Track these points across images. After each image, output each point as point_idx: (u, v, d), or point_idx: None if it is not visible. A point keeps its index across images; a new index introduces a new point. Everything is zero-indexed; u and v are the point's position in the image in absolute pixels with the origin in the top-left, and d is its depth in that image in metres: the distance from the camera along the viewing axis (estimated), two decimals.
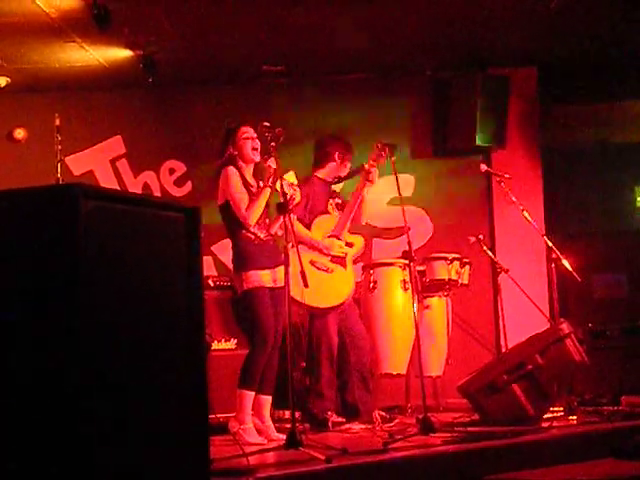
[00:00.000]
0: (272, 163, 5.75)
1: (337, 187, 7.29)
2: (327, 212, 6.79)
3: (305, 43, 8.25)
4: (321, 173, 6.90)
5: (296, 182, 5.99)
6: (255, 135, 5.96)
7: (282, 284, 5.85)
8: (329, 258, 6.66)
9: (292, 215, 6.34)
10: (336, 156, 6.89)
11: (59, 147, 6.95)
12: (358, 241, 6.84)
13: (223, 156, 6.02)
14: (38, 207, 3.20)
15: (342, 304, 6.64)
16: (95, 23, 6.93)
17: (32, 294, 3.14)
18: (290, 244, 5.51)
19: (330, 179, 6.94)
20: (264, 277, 5.92)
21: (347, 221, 6.76)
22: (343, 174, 6.97)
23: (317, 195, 6.78)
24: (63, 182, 6.79)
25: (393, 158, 6.34)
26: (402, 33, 8.13)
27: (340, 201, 6.93)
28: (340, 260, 6.69)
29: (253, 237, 5.94)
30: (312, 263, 6.58)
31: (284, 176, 5.78)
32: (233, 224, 5.97)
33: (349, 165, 6.94)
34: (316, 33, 8.00)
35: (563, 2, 5.87)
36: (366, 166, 6.64)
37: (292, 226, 5.57)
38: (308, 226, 6.68)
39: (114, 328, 3.23)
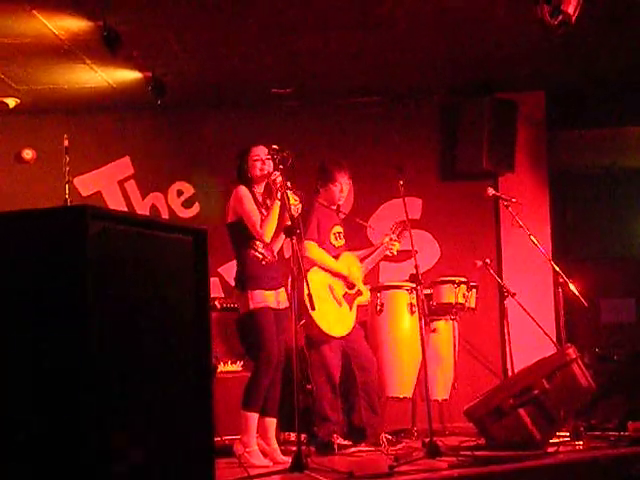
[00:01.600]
0: (278, 177, 5.76)
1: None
2: (330, 243, 6.79)
3: (314, 66, 8.28)
4: (320, 198, 6.89)
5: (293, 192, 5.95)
6: (266, 157, 5.97)
7: (283, 306, 5.94)
8: (343, 292, 6.71)
9: (309, 242, 6.42)
10: (318, 185, 6.89)
11: (67, 168, 6.96)
12: (366, 293, 7.00)
13: (238, 174, 6.07)
14: (46, 228, 3.21)
15: (338, 338, 6.65)
16: (105, 45, 6.96)
17: (38, 316, 3.14)
18: (298, 267, 5.53)
19: (328, 204, 6.90)
20: (269, 297, 5.93)
21: (367, 271, 6.97)
22: (338, 199, 6.90)
23: (323, 223, 6.77)
24: (71, 203, 6.80)
25: (401, 182, 6.35)
26: (410, 58, 8.16)
27: (342, 230, 6.93)
28: (350, 299, 6.75)
29: (260, 257, 5.95)
30: (330, 288, 6.64)
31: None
32: (241, 242, 5.99)
33: (337, 190, 6.86)
34: (325, 57, 8.02)
35: (570, 29, 5.87)
36: (385, 243, 6.93)
37: (300, 250, 5.58)
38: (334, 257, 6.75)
39: (120, 350, 3.23)
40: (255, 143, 6.08)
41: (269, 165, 5.97)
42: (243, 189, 6.00)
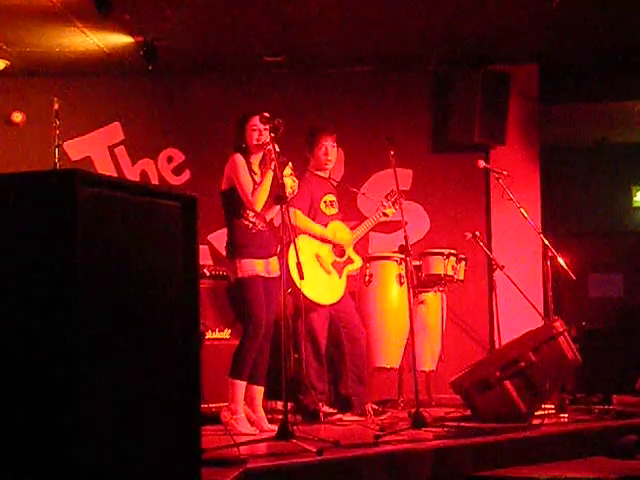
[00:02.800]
0: (274, 147, 5.72)
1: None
2: (321, 211, 6.77)
3: (306, 34, 8.23)
4: (310, 166, 6.87)
5: (293, 174, 5.95)
6: (264, 127, 5.91)
7: (275, 275, 5.94)
8: (332, 260, 6.71)
9: (295, 209, 6.40)
10: (307, 153, 6.87)
11: (57, 132, 6.91)
12: (357, 261, 6.96)
13: (235, 142, 6.05)
14: (34, 192, 3.19)
15: (327, 306, 6.66)
16: (96, 8, 6.90)
17: (26, 280, 3.13)
18: (287, 236, 5.52)
19: (319, 171, 6.87)
20: (258, 266, 5.93)
21: (357, 239, 6.92)
22: (324, 163, 6.85)
23: (314, 193, 6.75)
24: (60, 167, 6.77)
25: (392, 152, 6.32)
26: (404, 27, 8.11)
27: (334, 198, 6.90)
28: (339, 267, 6.74)
29: (250, 226, 5.95)
30: (317, 257, 6.64)
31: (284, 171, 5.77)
32: (233, 211, 5.99)
33: (321, 153, 6.81)
34: (317, 24, 7.97)
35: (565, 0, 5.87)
36: (382, 209, 6.87)
37: (289, 219, 5.54)
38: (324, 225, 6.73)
39: (108, 317, 3.22)
40: (254, 112, 6.01)
41: (266, 135, 5.91)
42: (238, 157, 5.98)
